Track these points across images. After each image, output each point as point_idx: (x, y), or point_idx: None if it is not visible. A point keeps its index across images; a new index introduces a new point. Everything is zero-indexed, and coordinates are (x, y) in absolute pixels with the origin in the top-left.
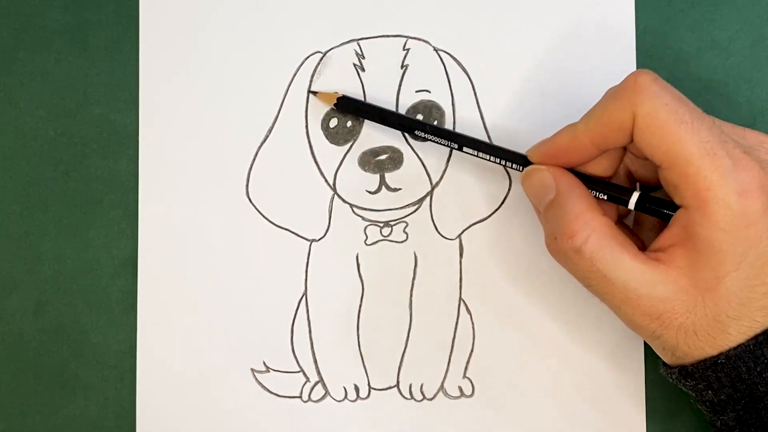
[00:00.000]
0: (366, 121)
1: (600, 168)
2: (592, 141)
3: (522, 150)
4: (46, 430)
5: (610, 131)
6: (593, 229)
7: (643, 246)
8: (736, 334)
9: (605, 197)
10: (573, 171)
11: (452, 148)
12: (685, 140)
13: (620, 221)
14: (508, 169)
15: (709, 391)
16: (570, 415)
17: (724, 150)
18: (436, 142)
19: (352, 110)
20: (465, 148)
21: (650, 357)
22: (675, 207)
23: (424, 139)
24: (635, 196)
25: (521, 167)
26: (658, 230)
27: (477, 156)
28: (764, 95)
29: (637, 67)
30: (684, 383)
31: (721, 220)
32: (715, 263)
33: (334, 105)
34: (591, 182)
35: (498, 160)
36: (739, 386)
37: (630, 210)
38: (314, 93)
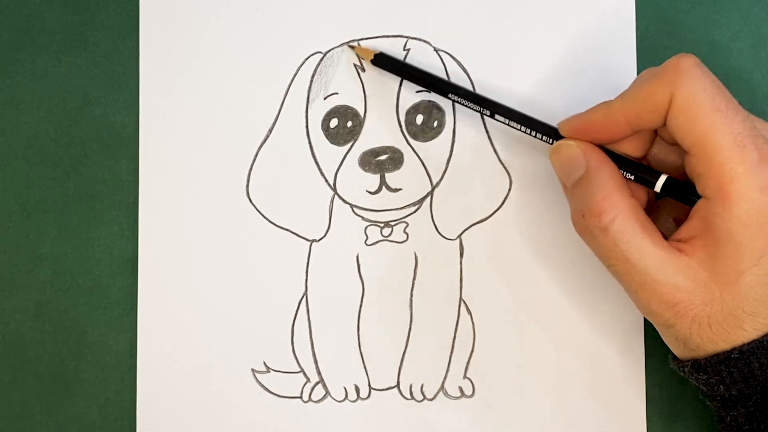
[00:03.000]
0: (366, 120)
1: (630, 148)
2: (626, 119)
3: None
4: (46, 430)
5: (646, 110)
6: (620, 210)
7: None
8: (750, 330)
9: (632, 177)
10: (603, 149)
11: (484, 114)
12: (718, 129)
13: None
14: (539, 140)
15: (721, 386)
16: (570, 415)
17: (753, 144)
18: (468, 107)
19: (388, 68)
20: (497, 116)
21: (651, 357)
22: (699, 195)
23: (458, 102)
24: (662, 178)
25: (551, 140)
26: (676, 222)
27: (508, 125)
28: (764, 95)
29: (638, 68)
30: (696, 377)
31: (742, 213)
32: (735, 257)
33: (371, 60)
34: (620, 161)
35: (529, 131)
36: (751, 382)
37: (652, 198)
38: (352, 47)
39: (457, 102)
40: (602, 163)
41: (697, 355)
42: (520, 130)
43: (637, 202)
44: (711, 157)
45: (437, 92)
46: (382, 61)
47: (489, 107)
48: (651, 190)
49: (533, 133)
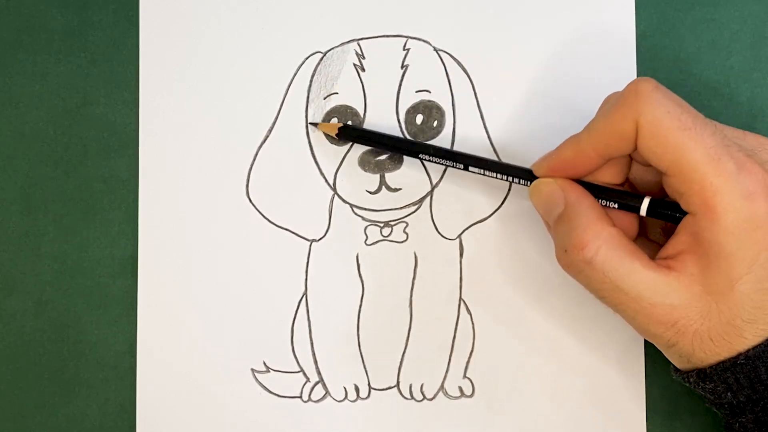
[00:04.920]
0: (366, 120)
1: (608, 176)
2: (596, 151)
3: (527, 162)
4: (46, 430)
5: (613, 140)
6: (603, 240)
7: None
8: (751, 337)
9: (616, 206)
10: (582, 182)
11: (458, 168)
12: (689, 147)
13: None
14: (515, 185)
15: (728, 393)
16: (570, 415)
17: (728, 155)
18: (441, 164)
19: (353, 138)
20: (471, 168)
21: (650, 357)
22: (685, 212)
23: (429, 161)
24: (646, 201)
25: (528, 182)
26: (663, 232)
27: (484, 174)
28: (764, 95)
29: (638, 68)
30: (702, 386)
31: (729, 224)
32: (727, 268)
33: (336, 135)
34: (600, 191)
35: (505, 177)
36: (758, 387)
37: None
38: (314, 125)
39: (428, 160)
40: (581, 197)
41: (703, 366)
42: (495, 177)
43: (619, 230)
44: (689, 174)
45: (406, 154)
46: (347, 132)
47: (461, 161)
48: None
49: (510, 178)
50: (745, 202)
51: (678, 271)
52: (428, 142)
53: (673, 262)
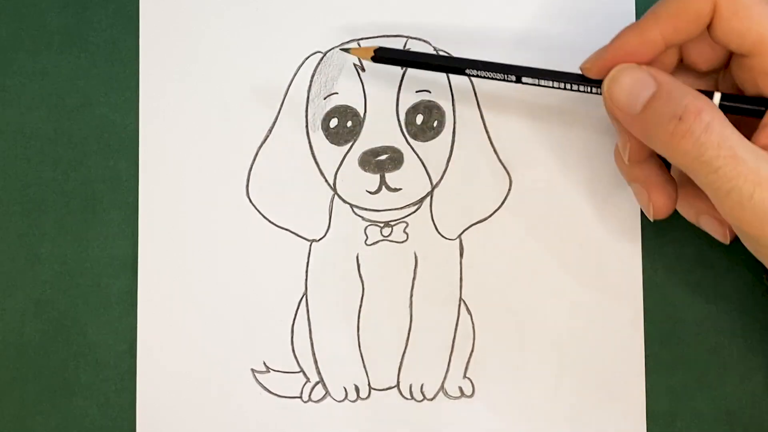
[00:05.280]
0: (366, 120)
1: (661, 67)
2: (663, 35)
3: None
4: (46, 430)
5: (685, 22)
6: (716, 109)
7: None
8: None
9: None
10: None
11: (509, 81)
12: None
13: None
14: (577, 91)
15: None
16: (570, 415)
17: None
18: (490, 78)
19: (391, 61)
20: (524, 79)
21: (650, 357)
22: (757, 101)
23: (478, 77)
24: (717, 96)
25: (587, 86)
26: None
27: (539, 85)
28: None
29: None
30: None
31: None
32: None
33: (372, 58)
34: None
35: (562, 85)
36: None
37: None
38: (347, 50)
39: (476, 76)
40: (671, 77)
41: None
42: (552, 87)
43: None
44: None
45: (453, 72)
46: (384, 55)
47: (513, 72)
48: None
49: (568, 86)
50: None
51: None
52: (474, 58)
53: None
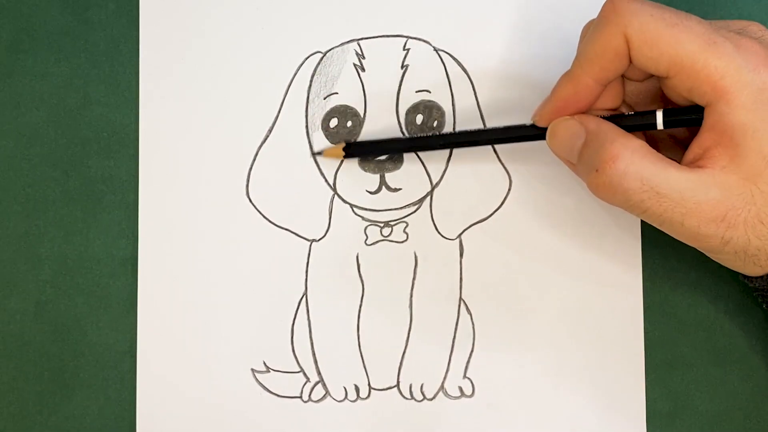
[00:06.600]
0: (366, 120)
1: (608, 102)
2: (593, 77)
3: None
4: (46, 430)
5: (608, 61)
6: (633, 149)
7: None
8: None
9: (629, 126)
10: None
11: (462, 147)
12: (683, 40)
13: None
14: (523, 142)
15: None
16: (570, 416)
17: (722, 37)
18: (447, 147)
19: (361, 153)
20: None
21: (650, 357)
22: (699, 110)
23: (434, 148)
24: (660, 114)
25: (538, 134)
26: (677, 154)
27: (493, 146)
28: None
29: None
30: None
31: (745, 100)
32: (755, 146)
33: (344, 157)
34: (612, 120)
35: (512, 141)
36: None
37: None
38: (318, 153)
39: (438, 148)
40: (599, 122)
41: (762, 259)
42: (504, 143)
43: (643, 142)
44: (691, 67)
45: (412, 151)
46: (353, 148)
47: (464, 140)
48: (639, 134)
49: (517, 141)
50: (753, 75)
51: (710, 166)
52: (428, 135)
53: (703, 160)
